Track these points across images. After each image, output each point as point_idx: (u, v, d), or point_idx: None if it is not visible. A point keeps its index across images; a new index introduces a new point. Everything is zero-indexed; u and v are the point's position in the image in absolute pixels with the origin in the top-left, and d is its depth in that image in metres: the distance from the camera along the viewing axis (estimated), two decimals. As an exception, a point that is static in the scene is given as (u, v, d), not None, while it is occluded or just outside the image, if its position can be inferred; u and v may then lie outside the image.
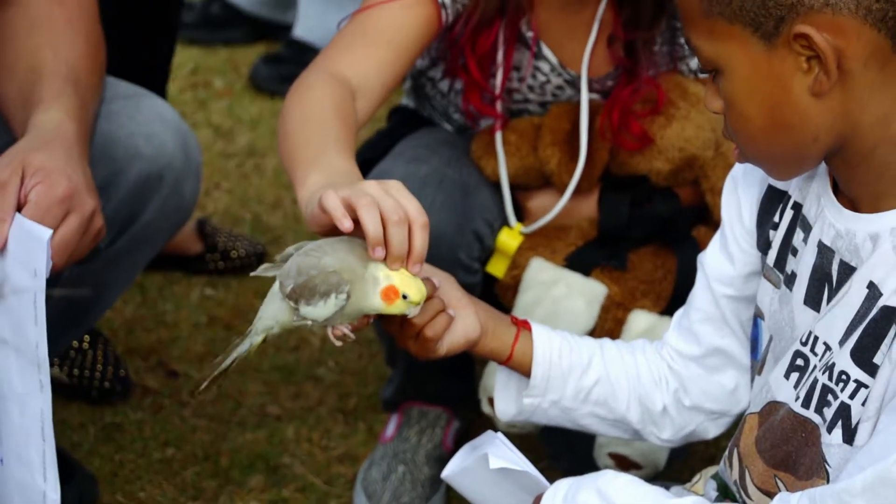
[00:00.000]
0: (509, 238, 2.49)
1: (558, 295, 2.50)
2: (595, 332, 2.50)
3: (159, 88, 2.96)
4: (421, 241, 1.80)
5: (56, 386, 2.54)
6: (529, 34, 2.44)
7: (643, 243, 2.53)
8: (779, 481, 1.84)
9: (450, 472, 1.93)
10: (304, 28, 3.83)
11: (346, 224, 1.80)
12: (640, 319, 2.49)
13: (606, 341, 2.06)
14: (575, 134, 2.46)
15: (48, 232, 1.95)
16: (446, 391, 2.74)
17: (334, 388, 2.93)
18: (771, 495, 1.82)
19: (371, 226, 1.78)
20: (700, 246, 2.46)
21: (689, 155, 2.47)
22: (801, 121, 1.70)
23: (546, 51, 2.46)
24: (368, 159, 2.53)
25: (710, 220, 2.54)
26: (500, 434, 1.91)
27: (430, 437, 2.74)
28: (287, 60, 3.82)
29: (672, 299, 2.49)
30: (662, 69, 2.49)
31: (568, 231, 2.55)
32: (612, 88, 2.47)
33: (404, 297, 1.81)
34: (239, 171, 3.54)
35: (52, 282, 2.10)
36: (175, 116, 2.46)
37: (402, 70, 2.29)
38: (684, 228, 2.53)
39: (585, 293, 2.51)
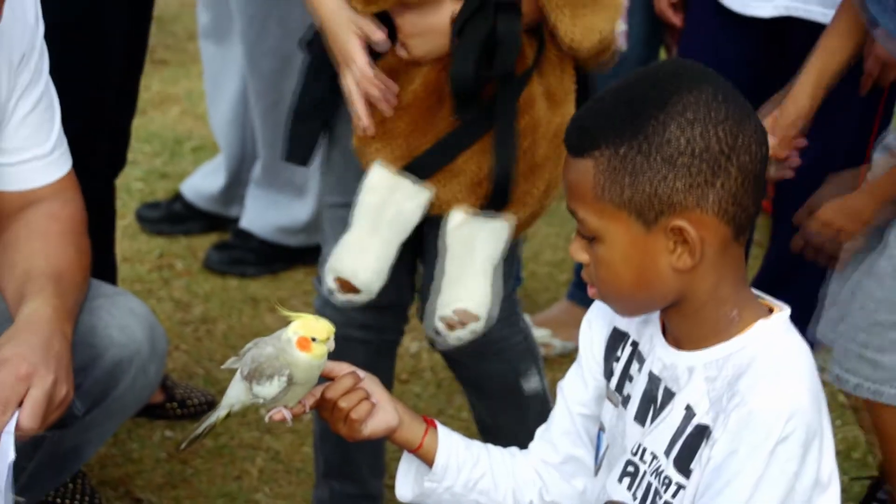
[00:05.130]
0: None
1: (399, 198, 2.54)
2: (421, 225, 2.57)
3: (109, 277, 3.05)
4: None
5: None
6: None
7: (476, 137, 2.51)
8: None
9: None
10: (248, 220, 3.95)
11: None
12: (455, 217, 2.55)
13: (490, 445, 2.12)
14: None
15: (11, 456, 2.05)
16: None
17: (270, 510, 3.01)
18: None
19: None
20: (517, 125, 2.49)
21: None
22: (659, 285, 1.84)
23: None
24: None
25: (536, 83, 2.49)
26: None
27: None
28: (234, 247, 3.93)
29: (490, 198, 2.53)
30: None
31: (412, 134, 2.51)
32: None
33: (314, 339, 1.91)
34: (194, 335, 3.61)
35: (36, 443, 2.25)
36: (146, 312, 2.51)
37: None
38: (513, 102, 2.48)
39: (416, 197, 2.55)
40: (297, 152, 2.63)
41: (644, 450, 1.92)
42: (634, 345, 1.98)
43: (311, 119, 2.62)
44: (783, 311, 1.88)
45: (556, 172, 2.56)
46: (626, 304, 1.90)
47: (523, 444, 2.16)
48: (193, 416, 3.29)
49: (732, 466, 1.79)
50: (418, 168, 2.55)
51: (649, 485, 1.90)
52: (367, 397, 2.01)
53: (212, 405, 3.31)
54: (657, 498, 1.89)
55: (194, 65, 4.74)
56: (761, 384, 1.80)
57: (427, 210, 2.56)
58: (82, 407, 2.46)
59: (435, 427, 2.07)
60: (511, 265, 2.68)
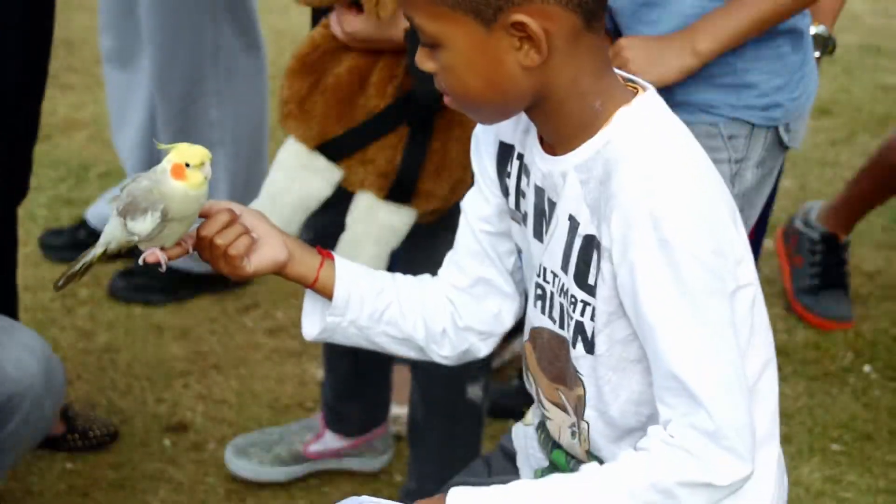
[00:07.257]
0: None
1: (306, 175, 2.62)
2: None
3: (11, 306, 3.01)
4: None
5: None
6: None
7: (390, 129, 2.57)
8: (559, 392, 1.91)
9: None
10: (154, 249, 4.00)
11: None
12: (363, 198, 2.64)
13: (397, 274, 2.06)
14: None
15: None
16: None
17: None
18: (557, 405, 1.92)
19: None
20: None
21: None
22: (511, 87, 1.76)
23: None
24: None
25: None
26: (365, 498, 1.88)
27: None
28: (139, 274, 3.85)
29: (392, 191, 2.62)
30: None
31: (328, 117, 2.57)
32: None
33: (187, 165, 1.84)
34: (97, 364, 3.59)
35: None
36: (42, 345, 2.52)
37: None
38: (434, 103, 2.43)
39: (326, 174, 2.62)
40: None
41: (545, 269, 1.87)
42: (520, 157, 1.92)
43: None
44: (647, 91, 1.80)
45: (464, 174, 2.58)
46: (482, 111, 1.84)
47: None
48: (95, 448, 3.29)
49: (639, 282, 1.72)
50: (330, 150, 2.61)
51: (561, 306, 1.85)
52: (247, 232, 1.92)
53: (113, 437, 3.33)
54: (569, 319, 1.84)
55: (101, 89, 4.66)
56: (632, 180, 1.72)
57: (335, 189, 2.64)
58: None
59: (332, 259, 2.00)
60: None
